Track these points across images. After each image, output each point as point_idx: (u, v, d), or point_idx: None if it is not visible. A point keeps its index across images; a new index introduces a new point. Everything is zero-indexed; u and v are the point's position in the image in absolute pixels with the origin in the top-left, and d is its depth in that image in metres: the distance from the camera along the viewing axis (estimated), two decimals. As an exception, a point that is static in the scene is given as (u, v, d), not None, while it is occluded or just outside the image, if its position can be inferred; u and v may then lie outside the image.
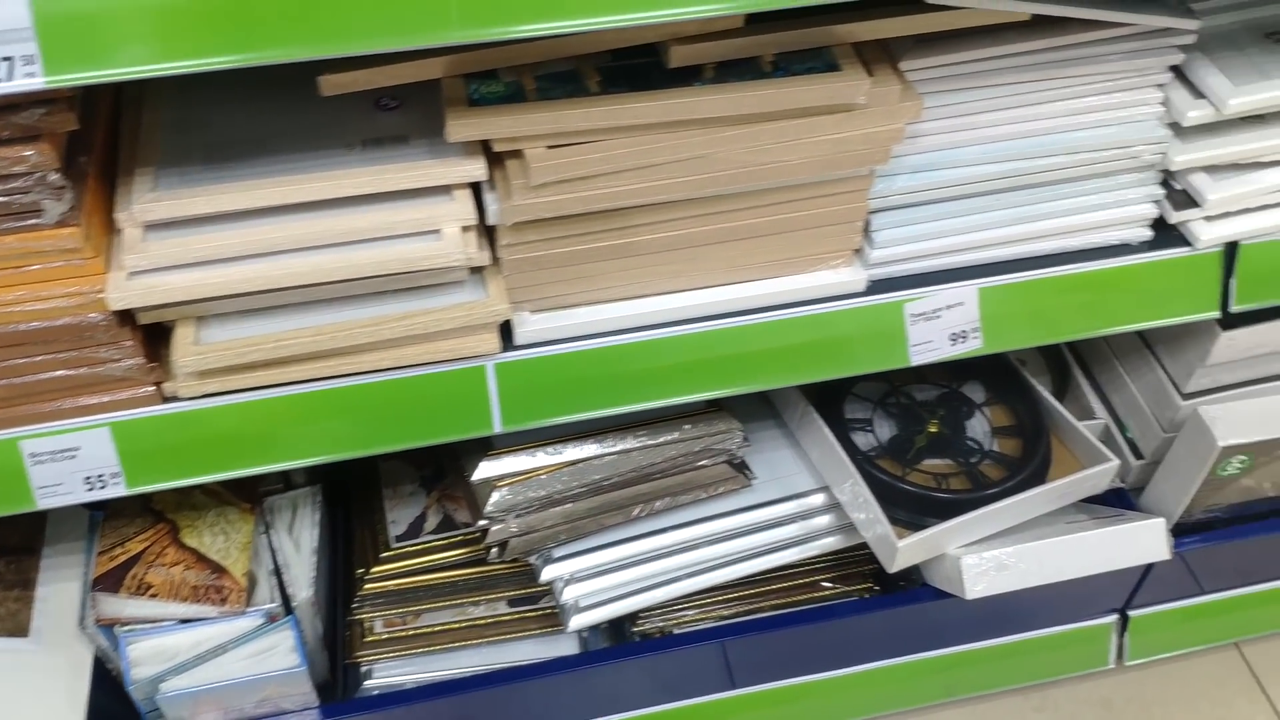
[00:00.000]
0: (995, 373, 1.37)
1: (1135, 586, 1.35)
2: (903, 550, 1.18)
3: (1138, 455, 1.37)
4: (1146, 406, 1.34)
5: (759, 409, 1.37)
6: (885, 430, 1.33)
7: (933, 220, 1.03)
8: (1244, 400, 1.26)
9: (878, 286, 1.04)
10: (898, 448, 1.30)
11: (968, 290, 1.06)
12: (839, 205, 0.97)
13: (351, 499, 1.36)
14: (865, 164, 0.93)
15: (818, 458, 1.29)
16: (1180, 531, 1.34)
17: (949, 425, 1.32)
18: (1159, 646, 1.46)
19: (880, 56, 0.92)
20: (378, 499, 1.31)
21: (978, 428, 1.33)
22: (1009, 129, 1.00)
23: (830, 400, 1.33)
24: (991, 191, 1.03)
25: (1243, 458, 1.24)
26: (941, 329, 1.07)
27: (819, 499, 1.28)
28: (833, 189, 0.96)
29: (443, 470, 1.32)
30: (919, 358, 1.07)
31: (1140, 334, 1.34)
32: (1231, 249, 1.09)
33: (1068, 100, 1.00)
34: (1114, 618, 1.38)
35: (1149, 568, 1.32)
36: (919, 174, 1.00)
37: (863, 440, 1.31)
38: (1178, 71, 1.03)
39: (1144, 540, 1.23)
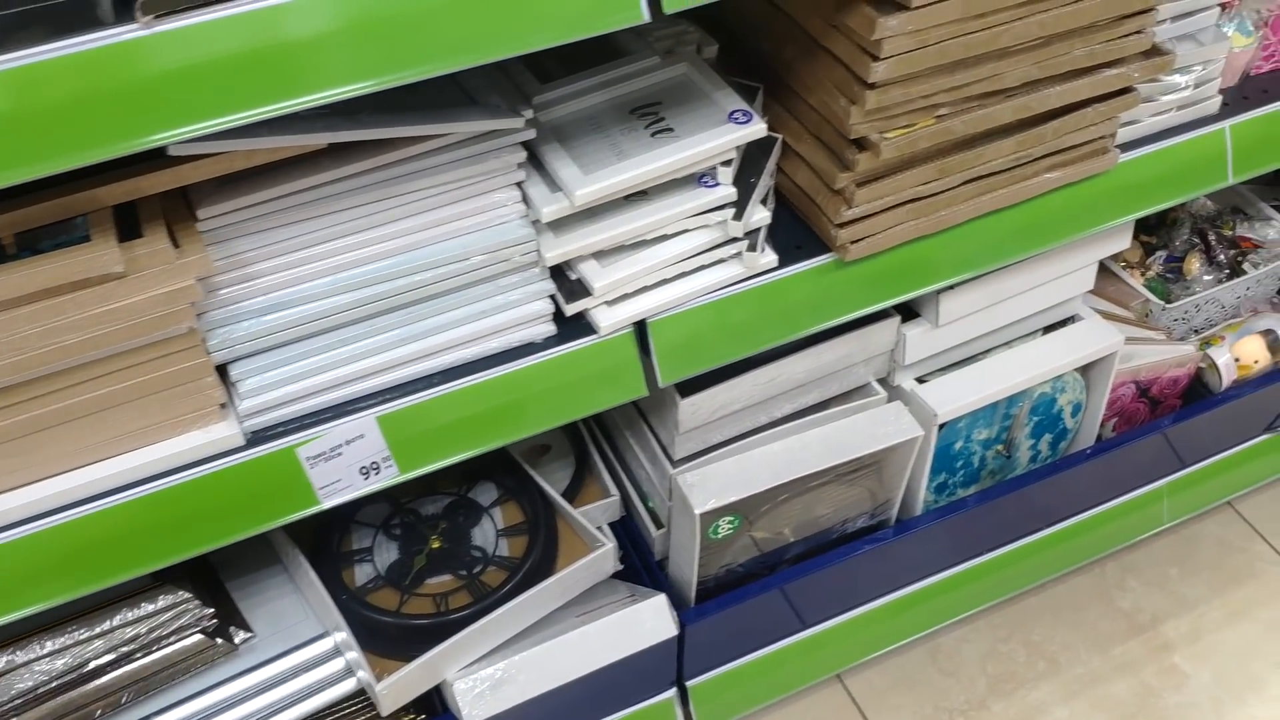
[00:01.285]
0: (504, 468, 1.33)
1: (678, 658, 1.32)
2: (384, 692, 1.11)
3: (659, 525, 1.35)
4: (653, 476, 1.33)
5: (266, 553, 1.28)
6: (388, 555, 1.26)
7: (305, 358, 0.97)
8: (727, 459, 1.26)
9: (261, 436, 0.98)
10: (397, 574, 1.24)
11: (365, 421, 1.00)
12: (172, 366, 0.90)
13: None
14: (166, 327, 0.86)
15: (313, 602, 1.21)
16: (718, 589, 1.33)
17: (452, 537, 1.27)
18: (739, 705, 1.45)
19: (158, 212, 0.85)
20: None
21: (487, 532, 1.28)
22: (357, 254, 0.95)
23: (331, 534, 1.26)
24: (362, 318, 0.98)
25: (730, 518, 1.24)
26: (348, 465, 1.01)
27: (328, 644, 1.21)
28: (151, 353, 0.88)
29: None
30: (331, 499, 1.01)
31: (635, 405, 1.33)
32: (641, 328, 1.08)
33: (416, 215, 0.97)
34: (672, 692, 1.36)
35: (681, 639, 1.30)
36: (265, 316, 0.94)
37: (363, 573, 1.25)
38: (540, 165, 1.01)
39: (647, 621, 1.21)
